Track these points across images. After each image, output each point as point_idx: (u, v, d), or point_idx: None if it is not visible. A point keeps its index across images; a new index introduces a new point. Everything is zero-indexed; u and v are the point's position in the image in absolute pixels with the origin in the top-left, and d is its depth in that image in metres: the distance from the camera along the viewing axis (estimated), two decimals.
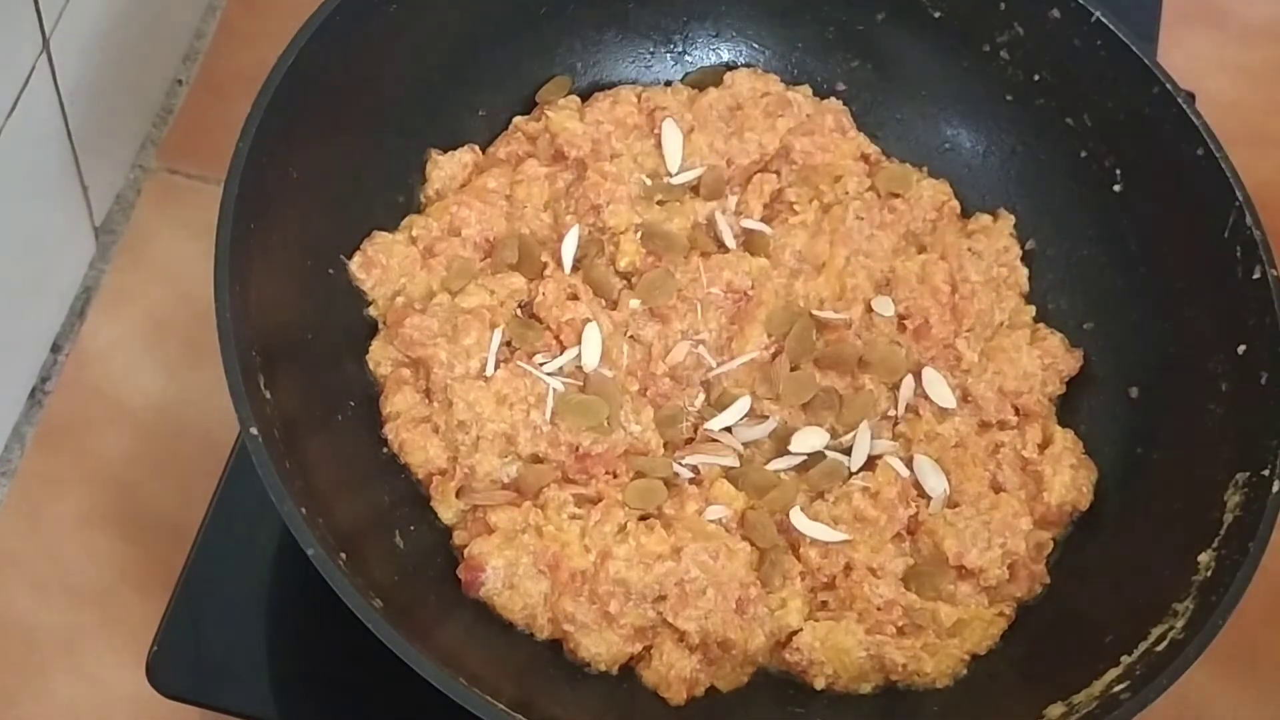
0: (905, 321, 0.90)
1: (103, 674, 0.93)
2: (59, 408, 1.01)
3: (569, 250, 0.88)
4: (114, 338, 1.04)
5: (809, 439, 0.86)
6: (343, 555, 0.72)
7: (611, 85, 0.96)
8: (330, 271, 0.86)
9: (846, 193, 0.93)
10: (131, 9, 1.02)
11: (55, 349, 1.03)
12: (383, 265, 0.87)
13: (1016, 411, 0.89)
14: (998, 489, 0.86)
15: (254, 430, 0.72)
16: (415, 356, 0.85)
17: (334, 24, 0.83)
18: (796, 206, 0.92)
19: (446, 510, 0.83)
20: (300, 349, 0.81)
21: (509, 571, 0.80)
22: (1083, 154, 0.92)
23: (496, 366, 0.84)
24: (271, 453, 0.72)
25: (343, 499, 0.77)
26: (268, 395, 0.75)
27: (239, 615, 0.86)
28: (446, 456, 0.83)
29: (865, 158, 0.96)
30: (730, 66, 0.97)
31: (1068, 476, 0.86)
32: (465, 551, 0.81)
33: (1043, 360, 0.89)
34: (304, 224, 0.83)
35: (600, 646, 0.79)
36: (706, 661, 0.80)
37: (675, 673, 0.80)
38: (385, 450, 0.84)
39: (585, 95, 0.95)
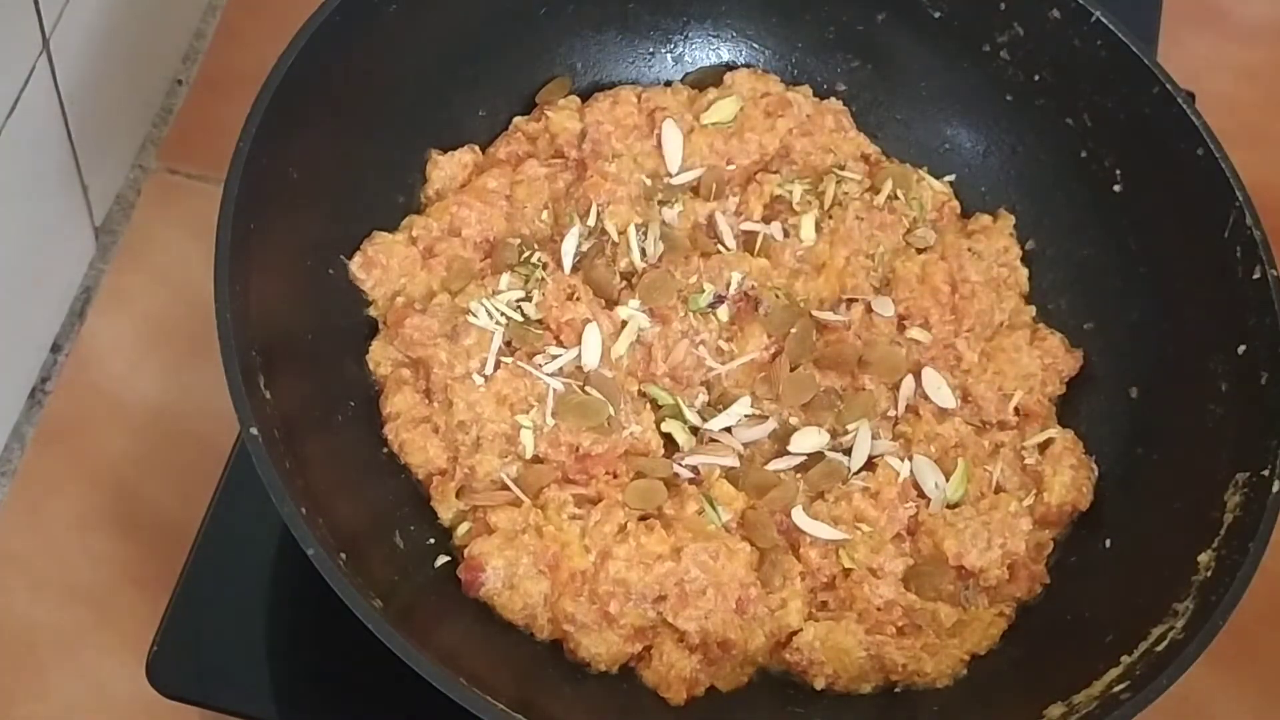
0: (905, 321, 0.90)
1: (103, 674, 0.93)
2: (59, 408, 1.01)
3: (569, 250, 0.88)
4: (114, 338, 1.04)
5: (809, 439, 0.86)
6: (343, 555, 0.72)
7: (611, 85, 0.96)
8: (330, 271, 0.86)
9: (846, 193, 0.93)
10: (131, 9, 1.02)
11: (55, 349, 1.03)
12: (383, 265, 0.87)
13: (1016, 411, 0.89)
14: (998, 489, 0.86)
15: (254, 430, 0.72)
16: (415, 356, 0.85)
17: (334, 24, 0.83)
18: (797, 207, 0.92)
19: (446, 510, 0.83)
20: (300, 349, 0.81)
21: (509, 571, 0.80)
22: (1083, 154, 0.92)
23: (496, 366, 0.84)
24: (271, 453, 0.72)
25: (343, 499, 0.77)
26: (268, 395, 0.75)
27: (239, 615, 0.86)
28: (446, 456, 0.83)
29: (865, 158, 0.96)
30: (730, 66, 0.97)
31: (1068, 476, 0.86)
32: (465, 551, 0.81)
33: (1043, 360, 0.89)
34: (304, 224, 0.83)
35: (600, 646, 0.79)
36: (706, 661, 0.80)
37: (675, 673, 0.80)
38: (385, 450, 0.84)
39: (585, 95, 0.95)
